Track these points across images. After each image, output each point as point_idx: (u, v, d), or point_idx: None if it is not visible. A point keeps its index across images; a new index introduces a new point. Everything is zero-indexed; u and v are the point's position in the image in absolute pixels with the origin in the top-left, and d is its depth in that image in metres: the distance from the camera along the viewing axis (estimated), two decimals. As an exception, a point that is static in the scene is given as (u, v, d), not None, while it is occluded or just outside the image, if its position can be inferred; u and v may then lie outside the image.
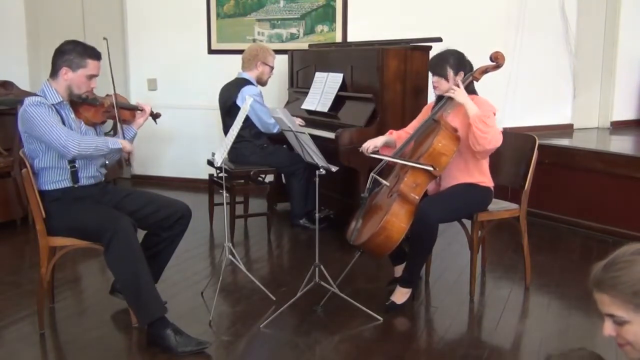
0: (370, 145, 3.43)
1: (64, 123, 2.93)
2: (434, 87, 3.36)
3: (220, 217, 4.19)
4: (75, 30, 5.97)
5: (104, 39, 3.14)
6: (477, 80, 3.35)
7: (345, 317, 3.17)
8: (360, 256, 3.48)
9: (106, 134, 3.34)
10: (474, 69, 3.35)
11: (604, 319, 1.41)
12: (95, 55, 2.99)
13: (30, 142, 2.94)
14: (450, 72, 3.29)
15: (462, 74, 3.31)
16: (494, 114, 3.22)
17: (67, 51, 2.95)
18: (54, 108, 2.91)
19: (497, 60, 3.32)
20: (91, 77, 2.99)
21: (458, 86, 3.23)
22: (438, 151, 3.13)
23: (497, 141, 3.14)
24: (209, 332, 3.03)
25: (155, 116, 3.36)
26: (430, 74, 3.39)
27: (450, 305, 3.38)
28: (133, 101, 3.33)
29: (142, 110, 3.25)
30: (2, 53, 6.05)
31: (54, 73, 2.97)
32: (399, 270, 3.46)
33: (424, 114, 3.55)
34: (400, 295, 3.27)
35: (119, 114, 3.13)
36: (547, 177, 4.73)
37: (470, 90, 3.30)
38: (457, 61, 3.31)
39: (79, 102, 3.03)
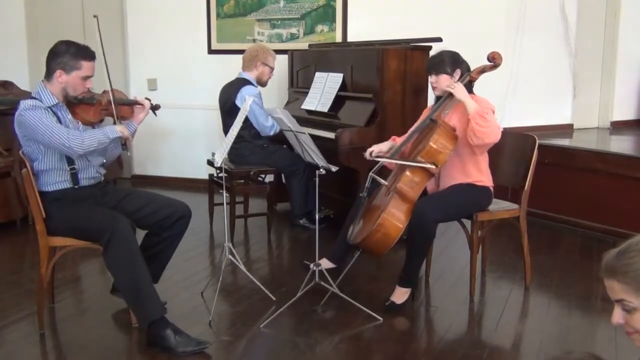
0: (375, 149, 3.45)
1: (61, 124, 2.93)
2: (433, 88, 3.38)
3: (220, 217, 4.20)
4: (75, 31, 5.96)
5: (94, 16, 3.10)
6: (474, 80, 3.36)
7: (345, 317, 3.17)
8: (360, 256, 3.48)
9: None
10: (472, 69, 3.36)
11: (613, 307, 1.42)
12: (89, 55, 2.97)
13: (28, 144, 2.93)
14: (447, 69, 3.30)
15: (458, 71, 3.33)
16: (493, 112, 3.22)
17: (60, 53, 2.93)
18: (50, 110, 2.91)
19: (494, 60, 3.32)
20: (86, 78, 2.98)
21: (456, 84, 3.24)
22: (435, 149, 3.14)
23: (495, 135, 3.14)
24: (209, 332, 3.03)
25: (154, 108, 3.30)
26: (429, 75, 3.39)
27: (450, 305, 3.38)
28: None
29: (141, 105, 3.21)
30: (2, 53, 6.05)
31: (48, 75, 2.96)
32: (326, 262, 3.44)
33: (424, 117, 3.55)
34: (400, 294, 3.28)
35: (117, 111, 3.11)
36: (547, 177, 4.73)
37: (469, 89, 3.30)
38: (452, 59, 3.34)
39: (75, 103, 3.02)
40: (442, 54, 3.37)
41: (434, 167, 3.13)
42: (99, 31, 3.10)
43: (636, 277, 1.36)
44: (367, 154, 3.43)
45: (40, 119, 2.84)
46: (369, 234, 3.11)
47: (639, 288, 1.37)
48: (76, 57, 2.93)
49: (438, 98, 3.39)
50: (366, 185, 3.25)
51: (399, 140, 3.55)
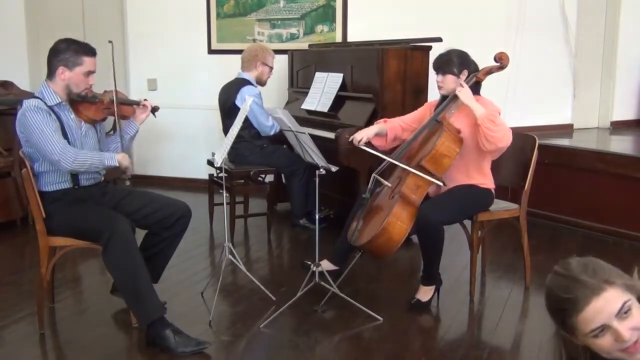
0: (364, 136, 3.37)
1: (63, 125, 2.93)
2: (439, 87, 3.35)
3: (220, 217, 4.20)
4: (75, 31, 5.95)
5: (109, 42, 3.14)
6: (481, 81, 3.33)
7: (345, 317, 3.17)
8: (361, 257, 3.48)
9: (107, 134, 3.33)
10: (479, 69, 3.34)
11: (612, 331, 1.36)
12: (90, 51, 2.98)
13: (29, 145, 2.93)
14: (454, 70, 3.29)
15: (465, 72, 3.30)
16: (499, 114, 3.22)
17: (61, 50, 2.93)
18: (53, 111, 2.90)
19: (501, 61, 3.29)
20: (88, 73, 2.98)
21: (462, 86, 3.22)
22: (441, 153, 3.13)
23: (508, 138, 3.12)
24: (209, 332, 3.03)
25: (153, 110, 3.33)
26: (436, 74, 3.37)
27: (450, 305, 3.38)
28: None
29: (142, 106, 3.23)
30: (2, 53, 6.05)
31: (50, 74, 2.96)
32: (327, 264, 3.44)
33: (425, 109, 3.54)
34: (424, 293, 3.30)
35: (118, 109, 3.12)
36: (547, 177, 4.73)
37: (475, 91, 3.28)
38: (460, 60, 3.31)
39: (78, 101, 3.02)
40: (450, 53, 3.33)
41: (441, 184, 3.13)
42: (113, 57, 3.13)
43: (620, 276, 1.39)
44: (355, 142, 3.36)
45: (40, 124, 2.82)
46: (372, 237, 3.10)
47: (624, 284, 1.38)
48: (77, 53, 2.94)
49: (443, 97, 3.38)
50: (369, 187, 3.23)
51: (390, 123, 3.52)
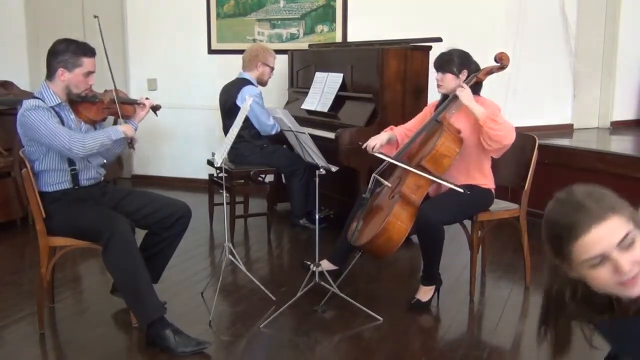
0: (377, 143, 3.38)
1: (63, 124, 2.93)
2: (438, 86, 3.35)
3: (220, 217, 4.19)
4: (75, 31, 5.95)
5: (95, 17, 3.14)
6: (481, 81, 3.33)
7: (345, 317, 3.17)
8: (361, 257, 3.48)
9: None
10: (480, 70, 3.34)
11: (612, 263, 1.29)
12: (89, 52, 2.98)
13: (30, 144, 2.93)
14: (454, 69, 3.28)
15: (465, 72, 3.30)
16: (499, 111, 3.22)
17: (60, 51, 2.93)
18: (53, 110, 2.90)
19: (501, 61, 3.28)
20: (88, 74, 2.97)
21: (463, 87, 3.22)
22: (441, 153, 3.13)
23: (512, 135, 3.12)
24: (209, 332, 3.03)
25: (155, 108, 3.34)
26: (436, 72, 3.37)
27: (450, 305, 3.38)
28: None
29: (142, 104, 3.24)
30: (2, 53, 6.05)
31: (50, 75, 2.95)
32: (327, 264, 3.45)
33: (426, 112, 3.54)
34: (424, 293, 3.30)
35: (120, 109, 3.12)
36: (547, 177, 4.72)
37: (475, 91, 3.28)
38: (460, 60, 3.30)
39: (78, 101, 3.02)
40: (452, 52, 3.33)
41: (440, 180, 3.12)
42: (101, 31, 3.12)
43: (622, 207, 1.33)
44: (368, 149, 3.38)
45: (42, 120, 2.83)
46: (373, 237, 3.10)
47: (628, 214, 1.33)
48: (76, 54, 2.93)
49: (444, 96, 3.38)
50: (369, 187, 3.23)
51: (397, 131, 3.54)
